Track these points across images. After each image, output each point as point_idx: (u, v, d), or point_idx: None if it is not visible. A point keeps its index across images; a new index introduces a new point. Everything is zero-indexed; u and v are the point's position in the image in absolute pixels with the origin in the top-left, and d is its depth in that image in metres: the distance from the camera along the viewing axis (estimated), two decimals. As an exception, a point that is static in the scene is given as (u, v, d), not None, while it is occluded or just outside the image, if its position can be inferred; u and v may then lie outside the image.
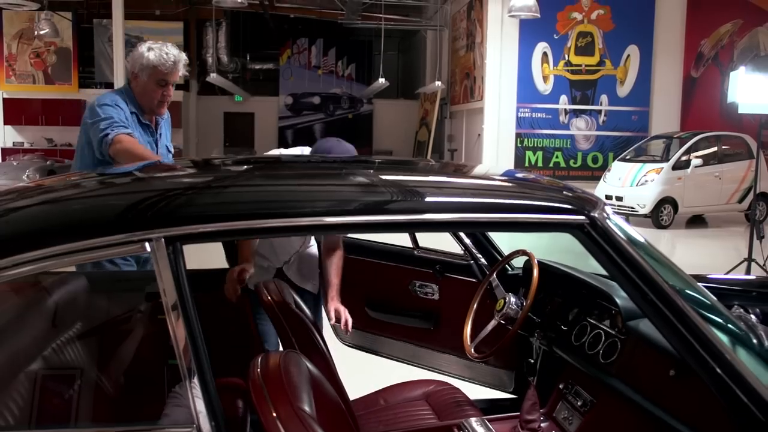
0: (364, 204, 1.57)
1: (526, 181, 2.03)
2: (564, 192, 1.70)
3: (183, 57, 3.14)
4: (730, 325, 1.69)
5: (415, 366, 3.10)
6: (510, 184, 1.98)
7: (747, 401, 1.42)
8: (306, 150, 3.01)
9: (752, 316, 1.81)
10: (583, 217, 1.55)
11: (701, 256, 9.73)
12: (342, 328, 2.84)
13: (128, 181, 1.90)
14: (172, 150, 3.38)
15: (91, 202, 1.58)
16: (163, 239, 1.33)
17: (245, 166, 2.24)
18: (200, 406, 1.33)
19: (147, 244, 1.33)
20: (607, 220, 1.57)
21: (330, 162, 2.45)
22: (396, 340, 3.10)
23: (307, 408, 1.40)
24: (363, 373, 3.49)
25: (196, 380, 1.32)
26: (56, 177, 2.00)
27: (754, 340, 1.69)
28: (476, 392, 2.85)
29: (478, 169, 2.45)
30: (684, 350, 1.49)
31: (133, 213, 1.44)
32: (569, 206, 1.60)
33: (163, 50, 3.07)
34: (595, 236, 1.53)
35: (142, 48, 3.09)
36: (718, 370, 1.44)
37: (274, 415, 1.33)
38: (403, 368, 3.14)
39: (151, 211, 1.45)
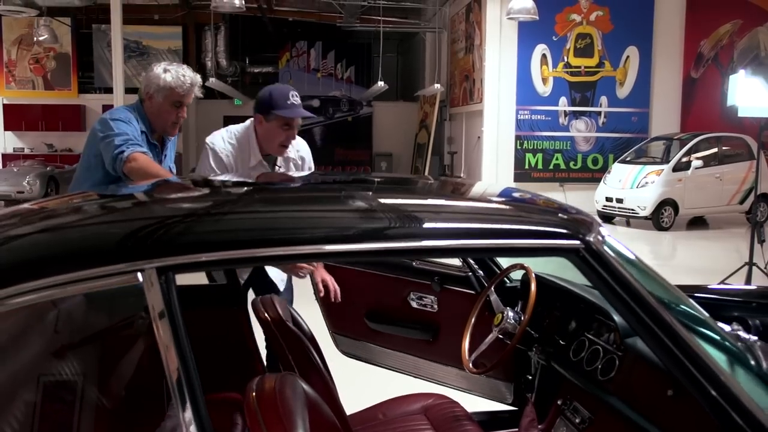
0: (362, 231, 1.55)
1: (522, 203, 2.02)
2: (559, 214, 1.69)
3: (198, 79, 3.17)
4: (726, 346, 1.68)
5: (415, 377, 3.09)
6: (506, 207, 1.97)
7: (743, 424, 1.41)
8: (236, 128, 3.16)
9: (750, 337, 1.79)
10: (577, 242, 1.54)
11: (702, 259, 9.72)
12: (332, 297, 2.92)
13: (120, 207, 1.88)
14: (174, 170, 3.39)
15: (80, 231, 1.55)
16: (155, 269, 1.32)
17: (243, 190, 2.22)
18: None
19: (139, 275, 1.31)
20: (602, 244, 1.56)
21: (329, 184, 2.44)
22: (395, 351, 3.10)
23: None
24: (362, 383, 3.50)
25: (188, 413, 1.31)
26: (51, 200, 1.96)
27: (752, 362, 1.68)
28: (475, 404, 2.84)
29: (476, 189, 2.43)
30: (679, 373, 1.48)
31: (124, 243, 1.42)
32: (564, 230, 1.59)
33: (180, 72, 3.09)
34: (589, 260, 1.52)
35: (158, 69, 3.10)
36: (713, 393, 1.43)
37: None
38: (403, 379, 3.14)
39: (143, 240, 1.43)
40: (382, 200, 1.78)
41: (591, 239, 1.54)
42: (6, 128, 19.51)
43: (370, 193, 1.97)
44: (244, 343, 2.67)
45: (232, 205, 1.84)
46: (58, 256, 1.38)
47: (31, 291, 1.31)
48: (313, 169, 3.47)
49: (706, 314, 1.80)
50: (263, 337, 2.44)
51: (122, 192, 2.32)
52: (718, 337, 1.73)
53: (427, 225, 1.61)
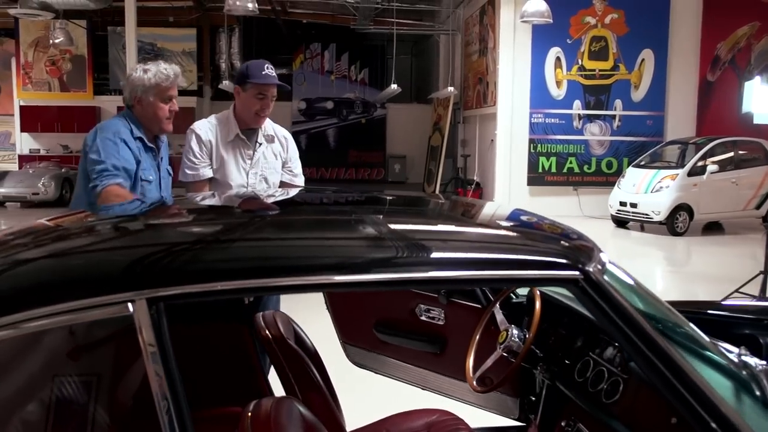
0: (369, 261, 1.55)
1: (527, 228, 2.01)
2: (561, 242, 1.67)
3: (177, 69, 3.23)
4: (730, 373, 1.65)
5: (422, 389, 3.07)
6: (510, 234, 1.95)
7: None
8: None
9: (757, 363, 1.75)
10: (577, 272, 1.51)
11: (717, 265, 9.61)
12: None
13: (113, 235, 1.87)
14: (172, 173, 3.43)
15: (70, 261, 1.54)
16: (145, 300, 1.30)
17: (242, 211, 2.21)
18: None
19: (129, 305, 1.30)
20: (602, 273, 1.54)
21: (335, 205, 2.44)
22: (404, 362, 3.08)
23: None
24: (372, 393, 3.50)
25: None
26: (45, 222, 1.94)
27: (757, 391, 1.64)
28: (480, 420, 2.82)
29: (485, 212, 2.41)
30: (679, 405, 1.45)
31: (114, 273, 1.40)
32: (564, 260, 1.57)
33: (160, 68, 3.15)
34: (588, 291, 1.50)
35: (138, 73, 3.15)
36: (713, 425, 1.41)
37: None
38: (410, 390, 3.12)
39: (133, 270, 1.42)
40: (391, 226, 1.79)
41: (590, 269, 1.52)
42: (23, 129, 19.73)
43: (379, 218, 1.96)
44: (248, 358, 2.66)
45: (228, 232, 1.81)
46: (45, 287, 1.38)
47: (17, 323, 1.30)
48: (294, 162, 3.60)
49: (708, 340, 1.76)
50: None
51: (115, 215, 2.30)
52: (721, 364, 1.69)
53: (433, 255, 1.62)
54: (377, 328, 3.08)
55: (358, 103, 22.58)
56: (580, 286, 1.50)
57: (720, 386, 1.55)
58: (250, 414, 1.50)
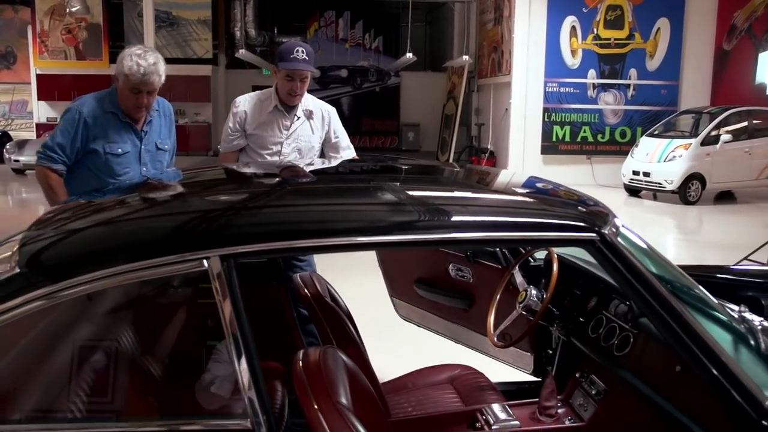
0: (392, 224, 1.76)
1: (544, 195, 2.18)
2: (578, 207, 1.85)
3: (156, 69, 3.13)
4: (730, 328, 1.83)
5: (456, 343, 3.30)
6: (529, 200, 2.13)
7: (741, 401, 1.57)
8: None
9: (754, 318, 1.94)
10: (593, 234, 1.70)
11: (728, 233, 9.73)
12: None
13: (184, 203, 2.14)
14: (167, 147, 3.44)
15: (155, 224, 1.80)
16: (218, 257, 1.54)
17: (286, 180, 2.45)
18: (252, 395, 1.53)
19: (205, 262, 1.54)
20: (616, 236, 1.72)
21: (370, 173, 2.65)
22: (439, 317, 3.31)
23: (344, 401, 1.58)
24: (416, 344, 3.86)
25: (244, 365, 1.52)
26: (127, 197, 2.25)
27: (752, 342, 1.83)
28: (499, 376, 3.02)
29: (501, 179, 2.58)
30: (686, 354, 1.64)
31: (192, 234, 1.66)
32: (581, 223, 1.75)
33: (137, 60, 3.10)
34: (604, 251, 1.68)
35: (125, 53, 3.17)
36: (715, 372, 1.60)
37: (316, 407, 1.52)
38: (432, 349, 3.36)
39: (207, 232, 1.67)
40: (411, 193, 1.99)
41: (606, 231, 1.70)
42: (39, 98, 19.92)
43: (398, 185, 2.16)
44: (283, 315, 2.87)
45: (277, 199, 2.07)
46: (138, 245, 1.62)
47: (114, 275, 1.55)
48: (340, 137, 3.75)
49: (713, 299, 1.95)
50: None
51: (184, 184, 2.56)
52: (723, 320, 1.88)
53: (454, 218, 1.80)
54: (417, 284, 3.32)
55: (372, 71, 22.57)
56: (596, 246, 1.69)
57: (721, 338, 1.73)
58: (300, 361, 1.70)
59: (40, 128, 19.28)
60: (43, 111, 20.10)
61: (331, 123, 3.71)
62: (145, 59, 3.11)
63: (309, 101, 3.68)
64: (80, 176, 3.26)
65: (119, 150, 3.24)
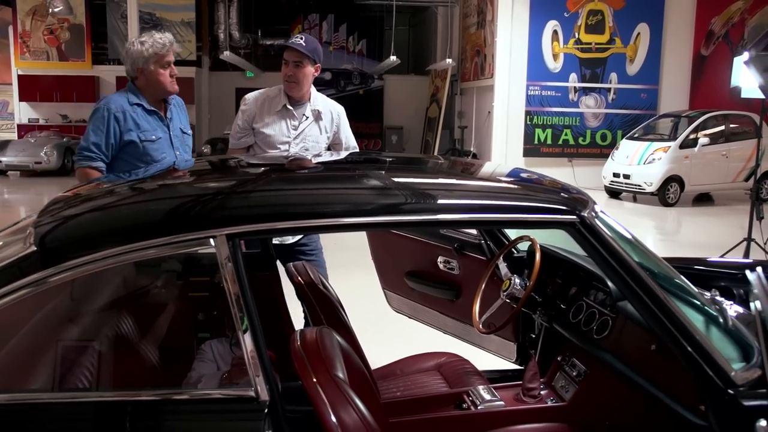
0: (382, 206, 1.87)
1: (528, 182, 2.30)
2: (561, 193, 1.97)
3: (171, 36, 3.47)
4: (702, 308, 1.96)
5: (443, 332, 3.41)
6: (513, 186, 2.25)
7: (711, 373, 1.69)
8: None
9: (724, 301, 2.07)
10: (574, 217, 1.81)
11: (706, 234, 9.94)
12: None
13: (193, 186, 2.25)
14: (190, 132, 3.67)
15: (166, 205, 1.90)
16: (225, 236, 1.64)
17: (290, 168, 2.56)
18: (259, 372, 1.63)
19: (212, 240, 1.64)
20: (595, 219, 1.84)
21: (370, 163, 2.82)
22: (428, 308, 3.41)
23: (341, 375, 1.68)
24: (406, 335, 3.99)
25: (249, 336, 1.63)
26: (132, 182, 2.39)
27: (721, 320, 1.96)
28: (485, 362, 3.13)
29: (486, 169, 2.69)
30: (661, 331, 1.76)
31: (200, 215, 1.76)
32: (562, 207, 1.86)
33: (155, 38, 3.40)
34: (584, 233, 1.80)
35: (136, 46, 3.41)
36: (689, 348, 1.72)
37: (315, 380, 1.61)
38: (434, 333, 3.49)
39: (215, 212, 1.78)
40: (399, 179, 2.11)
41: (585, 215, 1.82)
42: (21, 99, 19.75)
43: (385, 173, 2.28)
44: (275, 303, 2.96)
45: (277, 182, 2.20)
46: (148, 224, 1.72)
47: (127, 252, 1.65)
48: (347, 137, 3.83)
49: (686, 281, 2.07)
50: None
51: (194, 172, 2.67)
52: (695, 302, 2.00)
53: (441, 201, 1.91)
54: (408, 277, 3.44)
55: (355, 74, 22.64)
56: (576, 228, 1.81)
57: (694, 318, 1.85)
58: (298, 340, 1.80)
59: (22, 129, 19.12)
60: (24, 112, 19.92)
61: (340, 124, 3.77)
62: (158, 35, 3.41)
63: (318, 101, 3.72)
64: (121, 170, 3.35)
65: (153, 136, 3.41)
